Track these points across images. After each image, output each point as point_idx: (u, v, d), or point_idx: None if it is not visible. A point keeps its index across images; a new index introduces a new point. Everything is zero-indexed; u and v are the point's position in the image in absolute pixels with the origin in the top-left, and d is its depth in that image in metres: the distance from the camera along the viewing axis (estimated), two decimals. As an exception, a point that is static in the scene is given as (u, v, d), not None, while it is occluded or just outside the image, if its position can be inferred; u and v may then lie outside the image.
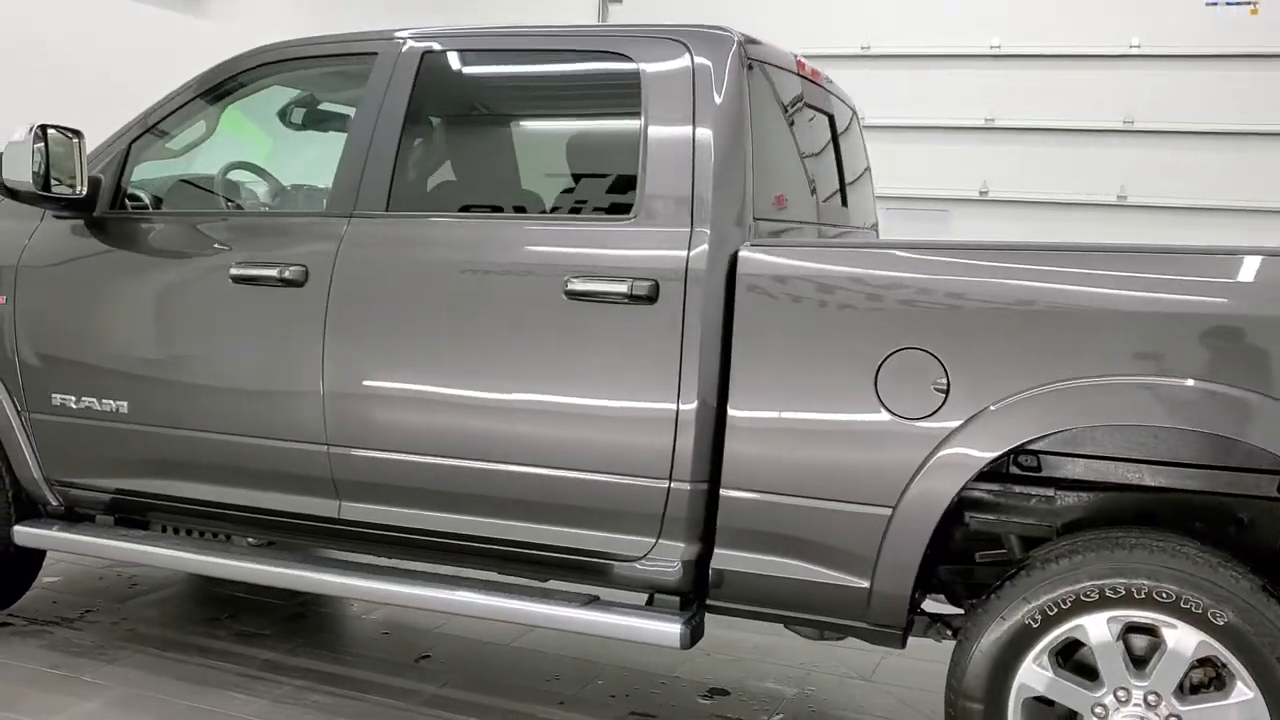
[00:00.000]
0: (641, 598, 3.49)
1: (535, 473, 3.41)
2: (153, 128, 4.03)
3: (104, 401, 3.93)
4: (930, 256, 3.08)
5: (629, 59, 3.44)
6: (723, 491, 3.22)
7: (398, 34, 3.76)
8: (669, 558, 3.34)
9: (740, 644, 4.60)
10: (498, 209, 3.72)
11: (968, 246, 3.12)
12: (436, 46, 3.71)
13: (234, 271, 3.71)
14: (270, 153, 4.36)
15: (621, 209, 3.40)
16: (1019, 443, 2.94)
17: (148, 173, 4.13)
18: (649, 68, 3.40)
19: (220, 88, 4.00)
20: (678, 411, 3.22)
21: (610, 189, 3.51)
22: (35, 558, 4.41)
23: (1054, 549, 3.02)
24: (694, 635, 3.31)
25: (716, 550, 3.28)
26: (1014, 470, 3.27)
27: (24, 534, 4.12)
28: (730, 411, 3.18)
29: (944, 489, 3.00)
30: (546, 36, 3.63)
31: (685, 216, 3.27)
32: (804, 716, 4.06)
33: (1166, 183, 10.72)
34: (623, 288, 3.25)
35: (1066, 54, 10.91)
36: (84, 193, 3.84)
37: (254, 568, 3.79)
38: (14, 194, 3.80)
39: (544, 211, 3.66)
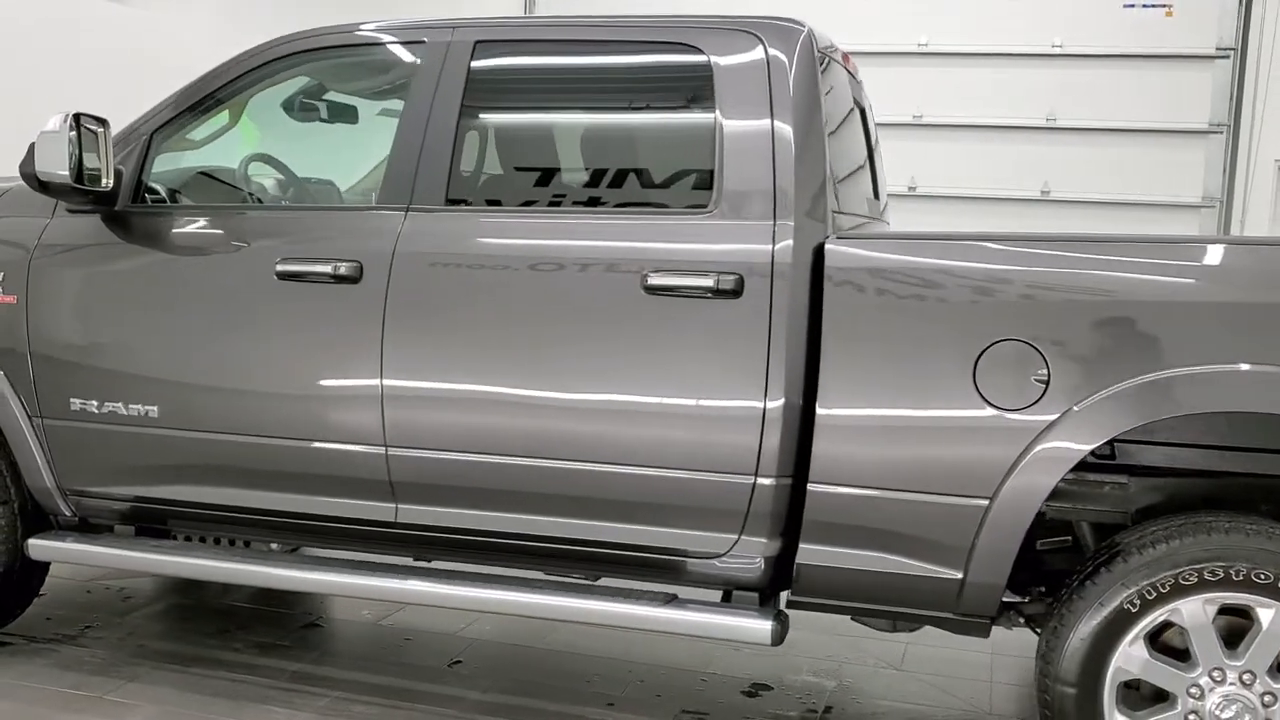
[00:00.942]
0: (709, 594, 3.47)
1: (609, 470, 3.35)
2: (175, 117, 3.83)
3: (131, 406, 3.73)
4: (1030, 249, 3.12)
5: (699, 50, 3.40)
6: (810, 486, 3.21)
7: (446, 22, 3.65)
8: (750, 554, 3.31)
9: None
10: (561, 202, 3.63)
11: (1068, 239, 3.16)
12: (490, 36, 3.61)
13: (280, 268, 3.56)
14: (296, 145, 4.18)
15: (698, 202, 3.36)
16: (1117, 433, 3.00)
17: (164, 165, 3.93)
18: (722, 60, 3.37)
19: (249, 76, 3.82)
20: (765, 405, 3.19)
21: (684, 182, 3.47)
22: (39, 572, 4.17)
23: (1147, 534, 3.08)
24: (783, 632, 3.30)
25: (801, 545, 3.26)
26: (1088, 458, 3.33)
27: (40, 547, 3.89)
28: (820, 406, 3.17)
29: (1044, 479, 3.03)
30: (609, 27, 3.57)
31: (768, 209, 3.25)
32: (850, 708, 4.08)
33: (1088, 178, 11.09)
34: (708, 281, 3.21)
35: (992, 53, 11.20)
36: (111, 185, 3.64)
37: (312, 577, 3.63)
38: (45, 187, 3.57)
39: (611, 205, 3.59)
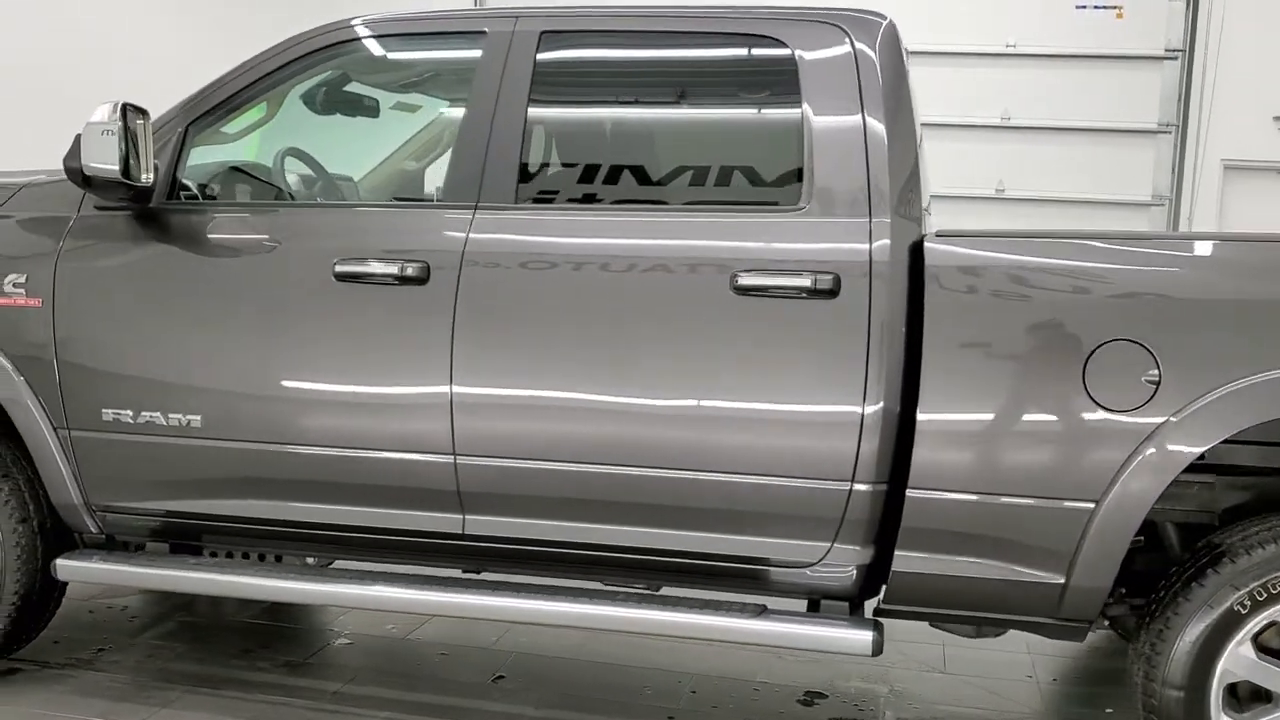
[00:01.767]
0: (793, 603, 3.38)
1: (695, 478, 3.23)
2: (212, 110, 3.61)
3: (171, 415, 3.51)
4: (1139, 247, 3.08)
5: (782, 43, 3.30)
6: (909, 492, 3.13)
7: (507, 11, 3.49)
8: (842, 562, 3.22)
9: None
10: (638, 200, 3.49)
11: (1178, 237, 3.13)
12: (557, 26, 3.46)
13: (340, 268, 3.37)
14: (335, 139, 3.98)
15: (787, 199, 3.26)
16: (1229, 434, 2.96)
17: (194, 160, 3.70)
18: (807, 54, 3.27)
19: (291, 67, 3.62)
20: (863, 408, 3.10)
21: (771, 179, 3.36)
22: (57, 593, 3.90)
23: (1252, 535, 3.06)
24: (881, 642, 3.21)
25: (897, 552, 3.18)
26: None
27: (68, 568, 3.64)
28: (921, 409, 3.09)
29: (1153, 482, 2.98)
30: (685, 18, 3.44)
31: (862, 207, 3.16)
32: (910, 714, 4.02)
33: (1041, 176, 11.25)
34: (804, 282, 3.11)
35: (947, 52, 11.28)
36: (151, 181, 3.41)
37: (376, 593, 3.44)
38: (89, 182, 3.33)
39: (692, 202, 3.47)
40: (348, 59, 3.71)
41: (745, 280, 3.15)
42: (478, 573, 3.71)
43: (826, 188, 3.19)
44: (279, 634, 4.50)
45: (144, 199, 3.48)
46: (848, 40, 3.27)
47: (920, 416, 3.09)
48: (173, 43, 9.50)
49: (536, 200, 3.43)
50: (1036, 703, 4.17)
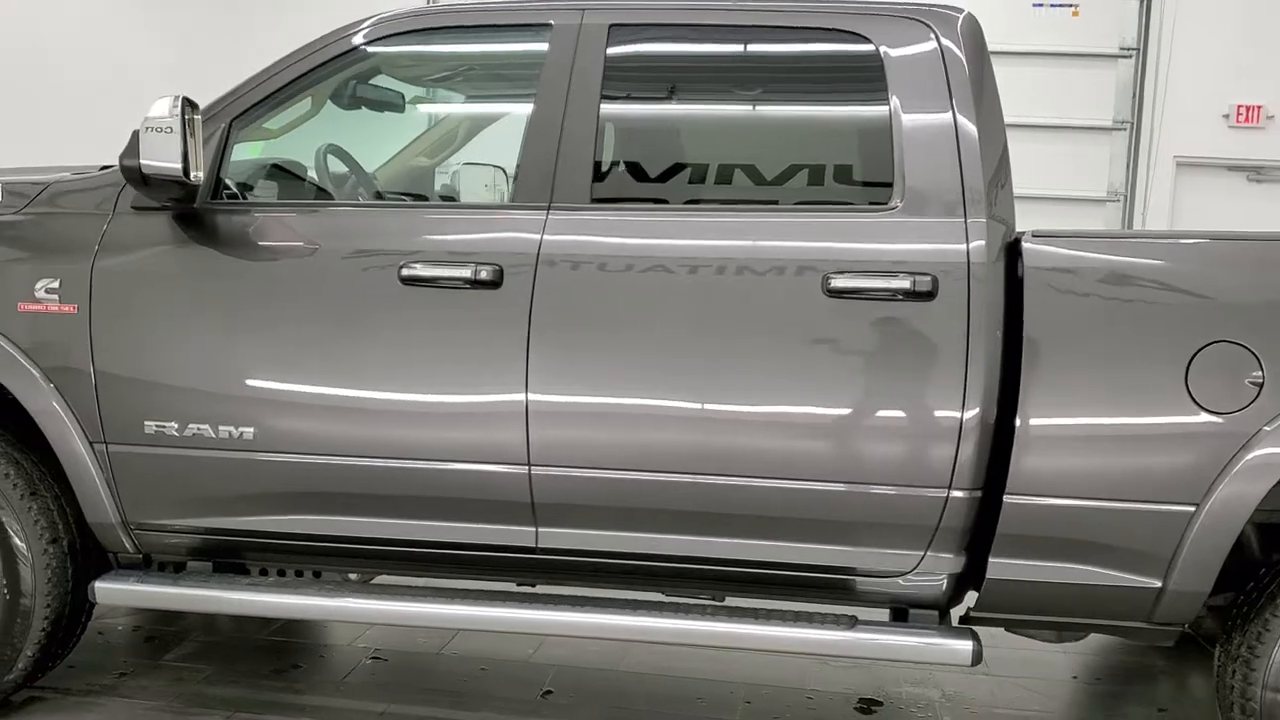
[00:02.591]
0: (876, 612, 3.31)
1: (783, 487, 3.14)
2: (258, 104, 3.42)
3: (221, 428, 3.31)
4: (1241, 247, 3.05)
5: (865, 39, 3.22)
6: (1006, 498, 3.07)
7: (573, 4, 3.35)
8: (935, 570, 3.16)
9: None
10: (717, 200, 3.38)
11: (1275, 237, 3.11)
12: (627, 19, 3.34)
13: (407, 272, 3.21)
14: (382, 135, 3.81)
15: (875, 199, 3.18)
16: None
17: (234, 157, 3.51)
18: (893, 49, 3.20)
19: (339, 61, 3.44)
20: (962, 413, 3.04)
21: (858, 178, 3.27)
22: (86, 616, 3.68)
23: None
24: (980, 651, 3.14)
25: (991, 559, 3.12)
26: None
27: (109, 591, 3.43)
28: (1020, 412, 3.03)
29: (1256, 485, 2.96)
30: (760, 11, 3.33)
31: (956, 206, 3.09)
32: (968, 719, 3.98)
33: (999, 173, 11.30)
34: (903, 284, 3.03)
35: (906, 49, 11.28)
36: (202, 179, 3.21)
37: (451, 611, 3.29)
38: (146, 181, 3.11)
39: (777, 202, 3.37)
40: (397, 53, 3.55)
41: (839, 282, 3.06)
42: (533, 585, 3.58)
43: (918, 186, 3.12)
44: (305, 651, 4.31)
45: (190, 198, 3.28)
46: (933, 35, 3.20)
47: (1019, 420, 3.03)
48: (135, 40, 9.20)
49: (612, 200, 3.30)
50: (1089, 704, 4.16)
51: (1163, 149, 11.20)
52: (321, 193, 3.72)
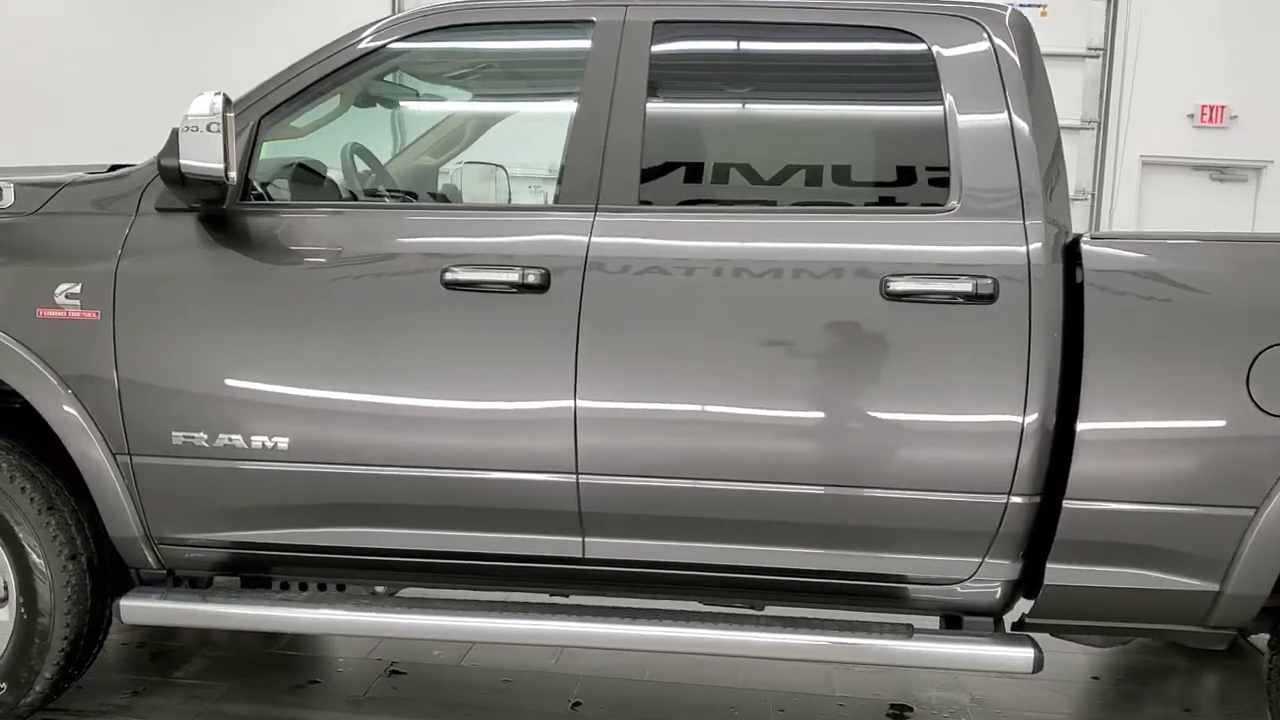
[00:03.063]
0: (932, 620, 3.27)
1: (840, 494, 3.09)
2: (288, 101, 3.29)
3: (254, 438, 3.19)
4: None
5: (917, 38, 3.17)
6: (1066, 503, 3.04)
7: (618, 1, 3.27)
8: (992, 577, 3.12)
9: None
10: (768, 201, 3.31)
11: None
12: (671, 16, 3.26)
13: (451, 276, 3.10)
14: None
15: (931, 200, 3.13)
16: None
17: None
18: (946, 48, 3.15)
19: (372, 56, 3.32)
20: (1023, 418, 3.00)
21: (912, 179, 3.22)
22: (101, 636, 3.53)
23: None
24: (1041, 659, 3.11)
25: (1049, 565, 3.09)
26: None
27: (136, 610, 3.29)
28: (1081, 417, 3.00)
29: (1318, 485, 2.96)
30: (807, 8, 3.27)
31: (1015, 207, 3.05)
32: (1002, 724, 3.96)
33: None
34: (964, 287, 2.99)
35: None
36: (235, 179, 3.09)
37: (506, 626, 3.20)
38: (184, 182, 2.98)
39: (830, 203, 3.30)
40: (431, 49, 3.44)
41: (898, 285, 3.01)
42: (565, 596, 3.50)
43: (975, 187, 3.07)
44: (319, 665, 4.18)
45: (221, 199, 3.15)
46: (985, 35, 3.16)
47: (1080, 425, 3.00)
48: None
49: (659, 201, 3.22)
50: (1116, 704, 4.16)
51: (1129, 148, 11.34)
52: (349, 194, 3.60)
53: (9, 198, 3.34)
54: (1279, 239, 3.14)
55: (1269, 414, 2.96)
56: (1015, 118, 3.10)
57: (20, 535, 3.27)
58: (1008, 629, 3.28)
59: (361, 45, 3.30)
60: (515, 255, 3.13)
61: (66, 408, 3.21)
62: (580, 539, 3.19)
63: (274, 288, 3.20)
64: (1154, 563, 3.05)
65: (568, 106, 3.29)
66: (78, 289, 3.20)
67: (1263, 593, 3.05)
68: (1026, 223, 3.04)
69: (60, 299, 3.20)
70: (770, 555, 3.17)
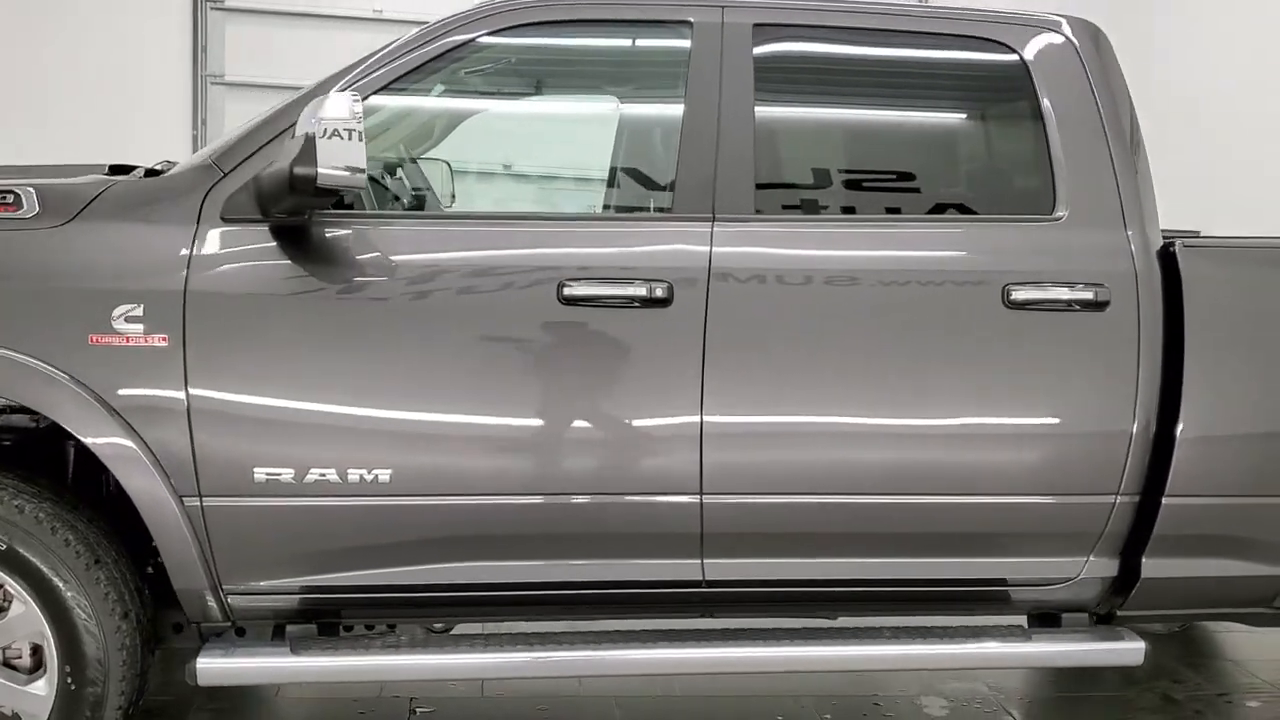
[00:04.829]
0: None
1: (963, 502, 3.11)
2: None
3: (351, 471, 2.90)
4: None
5: (1009, 48, 3.23)
6: (1166, 500, 3.17)
7: (712, 1, 3.16)
8: (1095, 575, 3.22)
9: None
10: (877, 209, 3.28)
11: None
12: (770, 19, 3.18)
13: (570, 290, 2.92)
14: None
15: (1040, 208, 3.19)
16: None
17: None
18: (1039, 58, 3.22)
19: (449, 56, 3.08)
20: (1134, 420, 3.10)
21: (1019, 187, 3.28)
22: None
23: None
24: (1148, 650, 3.24)
25: (1145, 560, 3.21)
26: None
27: (214, 671, 2.93)
28: (1183, 417, 3.13)
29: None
30: (903, 16, 3.26)
31: (1116, 215, 3.16)
32: (1042, 714, 4.08)
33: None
34: (1085, 295, 3.07)
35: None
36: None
37: (623, 657, 3.04)
38: (317, 192, 2.63)
39: (940, 212, 3.30)
40: (514, 45, 3.21)
41: (1021, 294, 3.05)
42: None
43: (1079, 195, 3.16)
44: (337, 711, 3.86)
45: (325, 209, 2.84)
46: (1072, 44, 3.24)
47: (1181, 425, 3.13)
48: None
49: (773, 210, 3.15)
50: (1140, 679, 4.33)
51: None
52: (430, 203, 3.33)
53: (31, 205, 2.90)
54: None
55: (1337, 407, 3.18)
56: (1109, 125, 3.20)
57: (67, 595, 2.86)
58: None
59: (441, 42, 3.04)
60: (636, 268, 2.98)
61: (125, 445, 2.83)
62: (699, 561, 3.07)
63: (369, 305, 2.92)
64: (1236, 551, 3.23)
65: (668, 110, 3.15)
66: (139, 311, 2.81)
67: (1325, 571, 3.27)
68: (1129, 230, 3.14)
69: (119, 323, 2.81)
70: (883, 567, 3.16)
